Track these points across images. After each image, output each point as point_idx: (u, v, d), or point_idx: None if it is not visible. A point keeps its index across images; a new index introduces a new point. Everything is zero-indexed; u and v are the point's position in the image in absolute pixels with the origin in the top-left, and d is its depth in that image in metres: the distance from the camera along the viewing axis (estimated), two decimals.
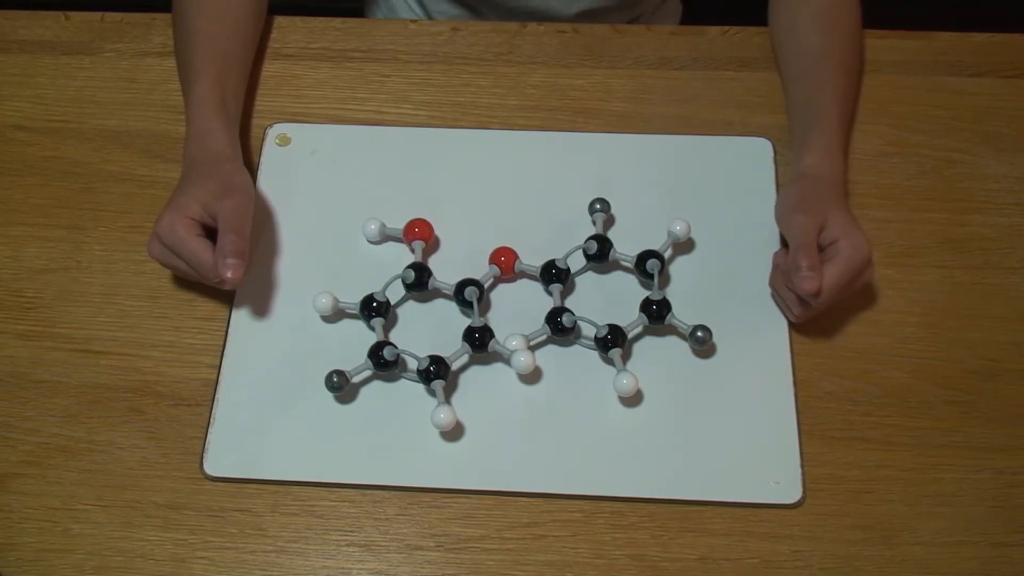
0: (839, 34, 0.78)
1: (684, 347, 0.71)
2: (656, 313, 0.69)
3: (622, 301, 0.72)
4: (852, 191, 0.76)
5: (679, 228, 0.73)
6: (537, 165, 0.79)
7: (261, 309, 0.73)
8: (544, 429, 0.68)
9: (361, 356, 0.68)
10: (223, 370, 0.70)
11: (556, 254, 0.72)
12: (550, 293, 0.72)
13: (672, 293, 0.72)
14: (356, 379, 0.68)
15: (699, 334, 0.68)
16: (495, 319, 0.72)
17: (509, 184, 0.78)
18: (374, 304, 0.70)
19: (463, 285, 0.70)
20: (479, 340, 0.68)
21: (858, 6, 0.80)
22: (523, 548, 0.64)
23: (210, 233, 0.68)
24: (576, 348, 0.71)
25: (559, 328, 0.69)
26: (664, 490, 0.66)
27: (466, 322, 0.70)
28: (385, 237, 0.75)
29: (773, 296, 0.72)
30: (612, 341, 0.68)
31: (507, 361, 0.68)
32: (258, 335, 0.72)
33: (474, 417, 0.68)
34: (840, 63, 0.77)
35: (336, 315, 0.72)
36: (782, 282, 0.69)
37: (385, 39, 0.86)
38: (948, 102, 0.82)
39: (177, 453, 0.67)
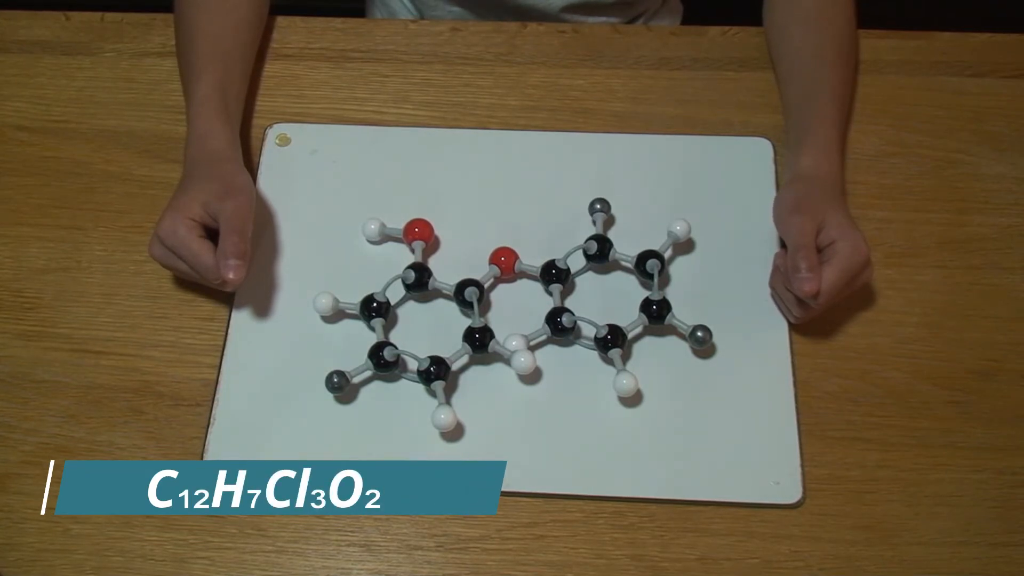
0: (832, 33, 0.78)
1: (684, 347, 0.71)
2: (656, 313, 0.69)
3: (622, 301, 0.71)
4: (852, 191, 0.76)
5: (679, 228, 0.73)
6: (537, 165, 0.79)
7: (261, 309, 0.73)
8: (544, 429, 0.68)
9: (361, 356, 0.68)
10: (223, 370, 0.70)
11: (556, 254, 0.72)
12: (550, 293, 0.72)
13: (672, 293, 0.72)
14: (356, 380, 0.68)
15: (699, 334, 0.68)
16: (495, 319, 0.72)
17: (509, 184, 0.78)
18: (374, 304, 0.70)
19: (463, 285, 0.70)
20: (479, 340, 0.68)
21: (851, 4, 0.79)
22: (523, 548, 0.64)
23: (211, 234, 0.68)
24: (576, 348, 0.71)
25: (559, 328, 0.69)
26: (664, 490, 0.66)
27: (466, 322, 0.70)
28: (385, 237, 0.75)
29: (773, 297, 0.72)
30: (612, 341, 0.68)
31: (507, 361, 0.68)
32: (258, 335, 0.71)
33: (474, 417, 0.68)
34: (834, 63, 0.76)
35: (336, 315, 0.72)
36: (782, 283, 0.69)
37: (385, 39, 0.86)
38: (948, 102, 0.82)
39: (177, 453, 0.67)
